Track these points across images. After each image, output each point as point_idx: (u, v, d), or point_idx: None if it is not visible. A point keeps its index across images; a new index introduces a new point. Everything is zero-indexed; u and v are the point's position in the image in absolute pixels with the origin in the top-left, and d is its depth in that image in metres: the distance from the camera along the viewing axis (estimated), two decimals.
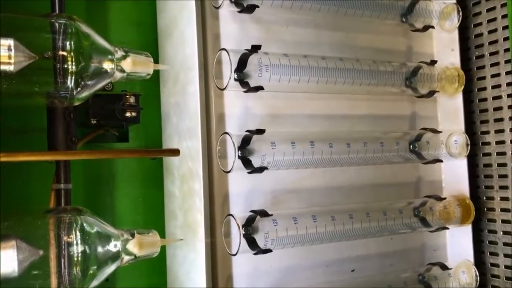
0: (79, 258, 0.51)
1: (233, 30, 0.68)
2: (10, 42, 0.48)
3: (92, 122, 0.68)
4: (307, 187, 0.72)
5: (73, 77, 0.52)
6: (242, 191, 0.67)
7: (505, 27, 0.79)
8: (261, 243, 0.61)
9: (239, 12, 0.65)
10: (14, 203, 0.67)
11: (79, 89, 0.53)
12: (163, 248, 0.59)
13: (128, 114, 0.69)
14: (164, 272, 0.75)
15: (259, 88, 0.63)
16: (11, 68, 0.49)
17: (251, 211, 0.63)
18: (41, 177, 0.67)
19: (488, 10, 0.82)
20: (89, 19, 0.75)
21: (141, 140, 0.77)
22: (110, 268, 0.54)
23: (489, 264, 0.82)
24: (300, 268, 0.70)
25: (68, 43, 0.52)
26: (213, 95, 0.65)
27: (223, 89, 0.62)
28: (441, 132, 0.77)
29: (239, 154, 0.61)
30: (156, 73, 0.74)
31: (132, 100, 0.69)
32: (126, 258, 0.54)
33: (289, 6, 0.66)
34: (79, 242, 0.51)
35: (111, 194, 0.75)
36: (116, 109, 0.68)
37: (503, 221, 0.80)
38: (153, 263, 0.73)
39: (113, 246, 0.53)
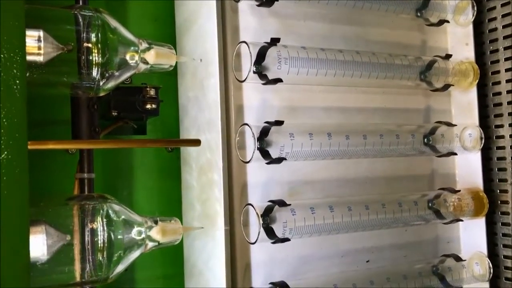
0: (105, 244, 0.53)
1: (252, 24, 0.69)
2: (40, 33, 0.50)
3: (113, 114, 0.69)
4: (322, 178, 0.73)
5: (99, 68, 0.53)
6: (260, 182, 0.68)
7: None
8: (279, 233, 0.63)
9: (258, 5, 0.66)
10: (34, 194, 0.69)
11: (104, 80, 0.54)
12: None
13: (148, 106, 0.70)
14: (180, 263, 0.76)
15: (278, 81, 0.64)
16: (40, 59, 0.50)
17: (270, 201, 0.64)
18: (60, 168, 0.68)
19: (502, 5, 0.83)
20: None
21: (158, 133, 0.78)
22: (134, 255, 0.55)
23: (502, 256, 0.83)
24: (316, 258, 0.71)
25: (94, 34, 0.53)
26: (232, 87, 0.67)
27: (243, 81, 0.64)
28: (456, 125, 0.78)
29: (258, 145, 0.62)
30: (174, 66, 0.75)
31: (152, 92, 0.70)
32: (149, 244, 0.56)
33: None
34: (105, 228, 0.53)
35: (129, 185, 0.76)
36: (136, 101, 0.69)
37: None
38: (169, 254, 0.74)
39: (138, 232, 0.55)
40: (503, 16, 0.83)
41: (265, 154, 0.63)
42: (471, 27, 0.82)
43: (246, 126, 0.63)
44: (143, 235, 0.55)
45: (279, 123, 0.64)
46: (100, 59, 0.53)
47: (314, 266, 0.71)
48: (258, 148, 0.62)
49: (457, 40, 0.83)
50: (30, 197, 0.48)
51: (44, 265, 0.50)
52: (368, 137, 0.69)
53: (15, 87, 0.44)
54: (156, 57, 0.57)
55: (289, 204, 0.64)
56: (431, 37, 0.83)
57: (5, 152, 0.44)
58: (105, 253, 0.53)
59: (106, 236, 0.53)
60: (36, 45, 0.50)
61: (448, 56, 0.78)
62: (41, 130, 0.70)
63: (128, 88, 0.70)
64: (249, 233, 0.64)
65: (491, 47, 0.85)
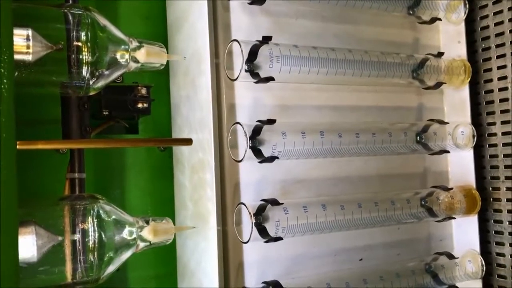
0: (96, 245, 0.52)
1: (243, 22, 0.68)
2: (28, 32, 0.49)
3: (104, 113, 0.68)
4: (315, 177, 0.73)
5: (89, 67, 0.53)
6: (252, 181, 0.68)
7: (511, 20, 0.80)
8: (272, 232, 0.62)
9: (250, 3, 0.66)
10: (25, 194, 0.68)
11: (94, 79, 0.54)
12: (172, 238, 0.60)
13: (140, 105, 0.69)
14: (172, 262, 0.75)
15: (270, 79, 0.63)
16: (29, 57, 0.50)
17: (262, 200, 0.64)
18: (50, 168, 0.68)
19: (494, 3, 0.83)
20: None
21: (150, 132, 0.77)
22: (126, 255, 0.55)
23: (495, 254, 0.83)
24: (309, 257, 0.71)
25: (84, 33, 0.53)
26: (224, 86, 0.66)
27: (234, 80, 0.63)
28: (448, 123, 0.78)
29: (250, 144, 0.62)
30: (166, 65, 0.74)
31: (143, 91, 0.69)
32: (141, 244, 0.55)
33: None
34: (96, 228, 0.52)
35: (121, 185, 0.76)
36: (128, 100, 0.69)
37: (509, 211, 0.81)
38: (162, 253, 0.74)
39: (129, 232, 0.54)
40: (495, 13, 0.83)
41: (257, 153, 0.63)
42: (463, 25, 0.82)
43: (238, 125, 0.63)
44: (134, 235, 0.54)
45: (271, 121, 0.63)
46: (90, 57, 0.53)
47: (307, 265, 0.71)
48: (250, 147, 0.62)
49: (449, 38, 0.84)
50: (19, 198, 0.47)
51: (34, 266, 0.49)
52: (361, 136, 0.69)
53: (2, 86, 0.43)
54: (146, 55, 0.57)
55: (282, 203, 0.63)
56: (423, 35, 0.84)
57: None
58: (96, 253, 0.52)
59: (97, 237, 0.52)
60: (24, 44, 0.49)
61: (440, 54, 0.78)
62: (31, 129, 0.69)
63: (119, 87, 0.69)
64: (241, 232, 0.64)
65: (483, 45, 0.85)
